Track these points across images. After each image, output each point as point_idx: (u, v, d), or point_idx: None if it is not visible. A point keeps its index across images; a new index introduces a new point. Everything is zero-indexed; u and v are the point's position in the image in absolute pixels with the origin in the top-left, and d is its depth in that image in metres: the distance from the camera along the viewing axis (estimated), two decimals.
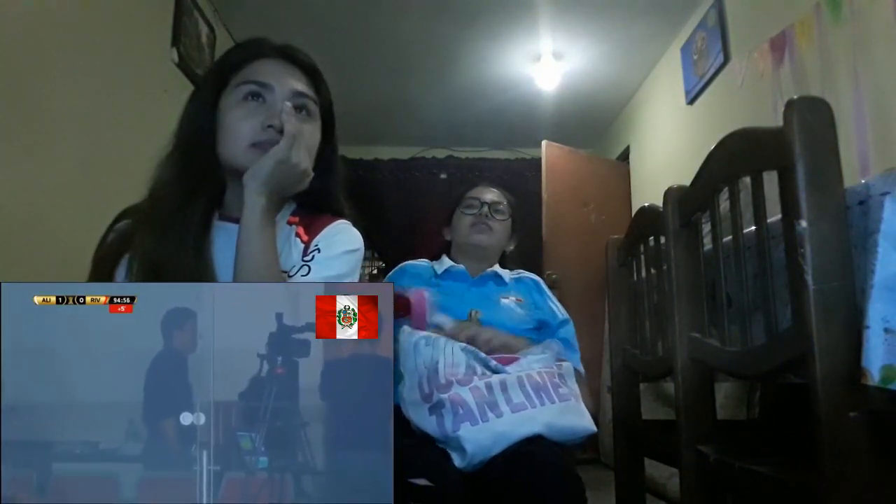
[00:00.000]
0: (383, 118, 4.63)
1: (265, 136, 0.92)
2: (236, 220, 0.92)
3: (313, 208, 1.03)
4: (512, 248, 1.63)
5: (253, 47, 0.99)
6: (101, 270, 0.93)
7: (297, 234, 0.98)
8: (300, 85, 0.97)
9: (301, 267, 0.93)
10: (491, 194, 1.61)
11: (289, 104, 0.92)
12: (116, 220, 0.99)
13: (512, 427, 1.10)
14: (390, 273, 1.60)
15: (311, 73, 1.01)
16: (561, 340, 1.39)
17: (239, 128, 0.93)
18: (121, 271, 0.91)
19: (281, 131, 0.90)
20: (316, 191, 0.98)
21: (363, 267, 5.05)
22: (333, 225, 1.00)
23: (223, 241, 0.93)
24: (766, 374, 1.00)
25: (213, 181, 0.95)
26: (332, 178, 1.03)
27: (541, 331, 1.45)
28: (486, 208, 1.57)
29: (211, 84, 0.97)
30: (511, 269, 1.58)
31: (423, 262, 1.60)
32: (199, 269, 0.88)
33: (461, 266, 1.53)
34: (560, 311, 1.49)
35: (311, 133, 0.97)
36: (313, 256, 0.94)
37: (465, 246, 1.56)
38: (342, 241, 0.98)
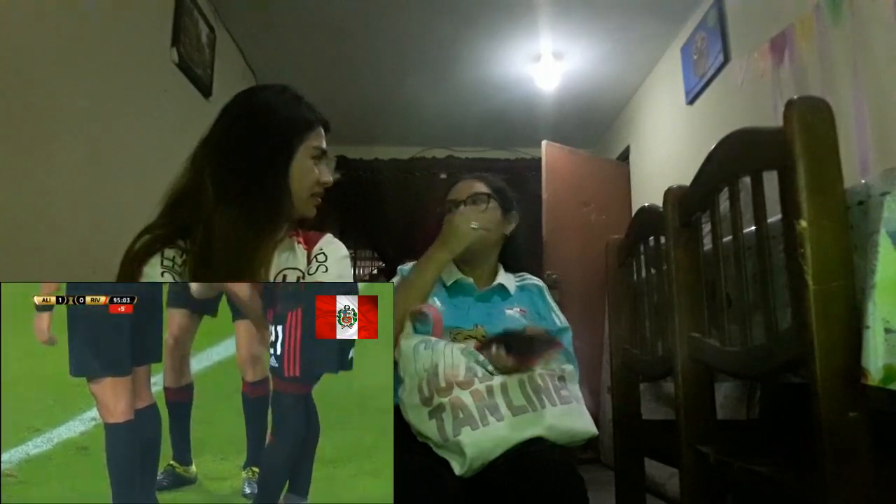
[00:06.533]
0: (383, 118, 4.62)
1: (319, 189, 1.17)
2: None
3: (304, 227, 1.27)
4: (512, 227, 1.55)
5: (316, 115, 1.20)
6: (132, 266, 1.04)
7: (299, 243, 1.18)
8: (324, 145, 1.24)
9: (319, 266, 1.14)
10: (466, 190, 1.52)
11: None
12: (138, 237, 1.09)
13: (513, 430, 1.09)
14: (403, 267, 1.56)
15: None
16: None
17: (308, 179, 1.16)
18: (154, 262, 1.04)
19: (327, 188, 1.18)
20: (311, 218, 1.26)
21: (363, 267, 5.09)
22: (327, 237, 1.22)
23: None
24: (766, 374, 1.00)
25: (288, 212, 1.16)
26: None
27: None
28: (462, 208, 1.49)
29: (295, 139, 1.16)
30: (514, 273, 1.55)
31: None
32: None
33: (469, 279, 1.47)
34: (559, 319, 1.47)
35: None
36: (326, 257, 1.16)
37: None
38: (338, 248, 1.21)
